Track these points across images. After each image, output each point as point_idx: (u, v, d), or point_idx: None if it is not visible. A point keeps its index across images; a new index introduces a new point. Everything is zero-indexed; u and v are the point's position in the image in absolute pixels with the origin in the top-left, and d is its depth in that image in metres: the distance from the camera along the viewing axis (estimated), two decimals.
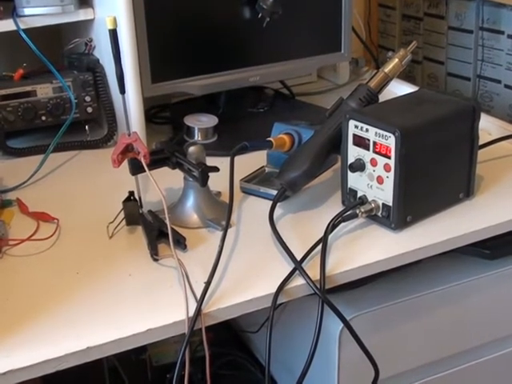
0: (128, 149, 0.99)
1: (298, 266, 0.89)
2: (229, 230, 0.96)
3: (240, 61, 1.37)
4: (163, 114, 1.48)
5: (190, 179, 1.02)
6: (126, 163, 1.01)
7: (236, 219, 1.03)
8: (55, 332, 0.80)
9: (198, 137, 1.30)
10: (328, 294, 0.87)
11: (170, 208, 1.01)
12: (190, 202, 1.04)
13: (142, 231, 1.00)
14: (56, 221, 1.03)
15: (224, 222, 0.98)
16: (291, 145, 1.12)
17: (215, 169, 1.02)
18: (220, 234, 0.96)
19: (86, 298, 0.86)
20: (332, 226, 0.96)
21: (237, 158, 1.06)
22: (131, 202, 1.02)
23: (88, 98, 1.30)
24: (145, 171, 0.97)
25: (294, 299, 0.89)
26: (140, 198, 1.04)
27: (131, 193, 1.03)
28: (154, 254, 0.93)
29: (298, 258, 0.90)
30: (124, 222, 1.02)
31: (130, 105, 1.22)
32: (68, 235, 1.01)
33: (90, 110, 1.31)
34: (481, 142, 1.07)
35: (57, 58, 1.31)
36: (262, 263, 0.92)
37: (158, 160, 1.01)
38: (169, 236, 0.91)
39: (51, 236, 0.99)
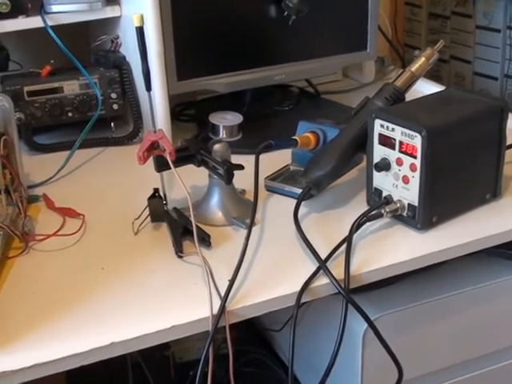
0: (153, 146, 0.99)
1: (323, 265, 0.88)
2: (253, 228, 0.96)
3: (266, 59, 1.36)
4: (188, 112, 1.48)
5: (215, 177, 1.02)
6: (151, 160, 1.01)
7: (260, 217, 1.03)
8: (80, 327, 0.81)
9: (223, 134, 1.30)
10: (352, 293, 0.86)
11: (194, 205, 1.01)
12: (215, 199, 1.04)
13: (166, 228, 1.00)
14: (82, 217, 1.03)
15: (248, 220, 0.98)
16: (316, 143, 1.12)
17: (240, 167, 1.02)
18: (244, 232, 0.96)
19: (111, 293, 0.87)
20: (357, 225, 0.95)
21: (262, 156, 1.06)
22: (156, 199, 1.02)
23: (114, 95, 1.31)
24: (170, 168, 0.97)
25: (318, 298, 0.88)
26: (165, 195, 1.05)
27: (156, 190, 1.03)
28: (179, 251, 0.93)
29: (323, 257, 0.90)
30: (149, 219, 1.03)
31: (156, 102, 1.23)
32: (93, 231, 1.02)
33: (115, 106, 1.32)
34: (508, 142, 1.05)
35: (84, 54, 1.31)
36: (287, 262, 0.92)
37: (183, 157, 1.01)
38: (193, 233, 0.91)
39: (77, 232, 1.00)
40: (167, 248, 0.96)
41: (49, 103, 1.27)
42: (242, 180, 1.05)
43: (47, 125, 1.30)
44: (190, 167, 1.03)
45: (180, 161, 1.00)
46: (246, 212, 1.02)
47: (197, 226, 0.93)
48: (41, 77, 1.28)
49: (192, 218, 0.92)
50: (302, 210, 1.03)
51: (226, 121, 1.31)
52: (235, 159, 1.03)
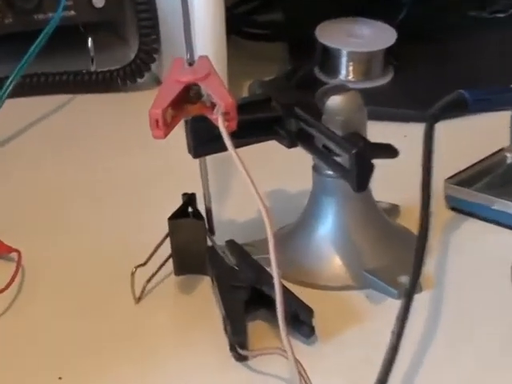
0: (188, 96, 0.94)
1: None
2: (417, 298, 0.91)
3: None
4: (267, 18, 1.50)
5: (330, 172, 0.96)
6: (178, 131, 0.94)
7: (434, 272, 1.01)
8: None
9: (348, 73, 1.31)
10: None
11: (279, 238, 0.93)
12: (328, 226, 1.00)
13: (211, 289, 0.97)
14: (16, 254, 1.03)
15: (405, 279, 0.95)
16: None
17: (389, 151, 0.96)
18: (395, 305, 0.91)
19: None
20: None
21: (439, 127, 1.04)
22: (189, 221, 1.00)
23: None
24: (225, 149, 0.90)
25: None
26: (210, 212, 1.01)
27: (190, 198, 0.99)
28: (239, 345, 0.89)
29: None
30: (170, 267, 1.00)
31: None
32: (43, 288, 1.01)
33: (99, 2, 1.27)
34: None
35: None
36: (492, 375, 0.87)
37: (254, 124, 0.98)
38: (276, 305, 0.85)
39: (6, 289, 0.98)
40: (212, 336, 0.92)
41: None
42: (390, 181, 1.06)
43: None
44: (269, 146, 0.99)
45: (248, 131, 0.96)
46: (399, 258, 0.99)
47: (284, 288, 0.87)
48: None
49: (273, 269, 0.86)
50: None
51: (357, 41, 1.35)
52: (377, 131, 1.00)
